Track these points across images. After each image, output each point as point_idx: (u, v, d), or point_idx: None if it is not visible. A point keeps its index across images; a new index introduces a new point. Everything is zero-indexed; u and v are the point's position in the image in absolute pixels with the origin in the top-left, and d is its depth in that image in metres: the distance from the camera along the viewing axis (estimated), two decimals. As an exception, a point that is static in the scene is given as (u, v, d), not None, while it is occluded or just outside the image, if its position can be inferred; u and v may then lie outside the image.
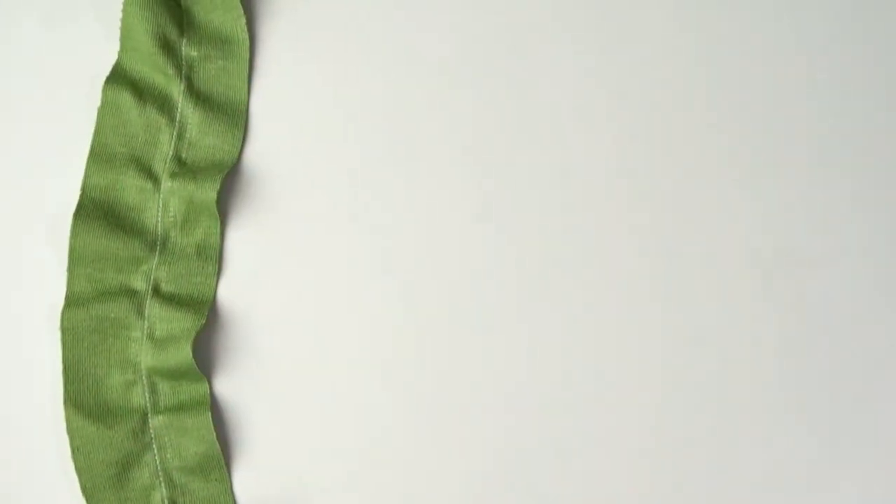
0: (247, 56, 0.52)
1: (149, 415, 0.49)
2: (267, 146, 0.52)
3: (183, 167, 0.51)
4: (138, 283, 0.50)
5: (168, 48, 0.51)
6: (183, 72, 0.52)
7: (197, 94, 0.52)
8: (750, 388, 0.50)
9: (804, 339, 0.51)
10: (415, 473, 0.49)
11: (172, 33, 0.51)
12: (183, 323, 0.49)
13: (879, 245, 0.51)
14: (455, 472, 0.49)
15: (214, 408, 0.49)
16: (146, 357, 0.49)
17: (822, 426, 0.50)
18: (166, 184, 0.50)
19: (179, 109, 0.51)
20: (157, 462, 0.48)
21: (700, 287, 0.51)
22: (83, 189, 0.50)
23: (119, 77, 0.51)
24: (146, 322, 0.49)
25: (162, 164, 0.51)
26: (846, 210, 0.52)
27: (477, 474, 0.49)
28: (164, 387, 0.49)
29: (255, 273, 0.51)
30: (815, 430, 0.50)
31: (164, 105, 0.51)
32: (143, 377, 0.49)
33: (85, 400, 0.48)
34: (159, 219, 0.50)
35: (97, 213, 0.50)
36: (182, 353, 0.48)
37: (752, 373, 0.50)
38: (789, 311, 0.51)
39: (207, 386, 0.49)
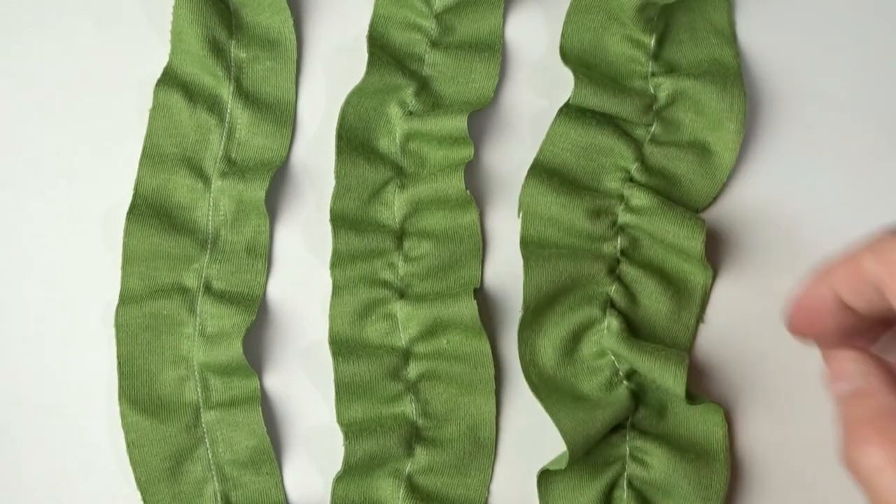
0: (294, 57, 0.53)
1: (201, 409, 0.49)
2: (314, 146, 0.53)
3: (232, 167, 0.52)
4: (190, 280, 0.51)
5: (217, 50, 0.52)
6: (232, 73, 0.53)
7: (246, 95, 0.52)
8: None
9: None
10: (462, 468, 0.50)
11: (221, 35, 0.52)
12: (234, 319, 0.50)
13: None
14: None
15: (265, 403, 0.50)
16: (198, 353, 0.50)
17: None
18: (216, 183, 0.51)
19: (229, 110, 0.52)
20: (210, 456, 0.49)
21: None
22: (136, 189, 0.51)
23: (170, 79, 0.52)
24: (198, 319, 0.50)
25: (212, 164, 0.52)
26: None
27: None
28: (215, 382, 0.50)
29: (303, 270, 0.51)
30: None
31: (213, 106, 0.52)
32: (196, 373, 0.50)
33: (139, 395, 0.49)
34: (210, 217, 0.51)
35: (150, 212, 0.51)
36: (233, 349, 0.49)
37: None
38: None
39: (258, 381, 0.49)
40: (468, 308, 0.49)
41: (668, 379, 0.48)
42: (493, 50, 0.53)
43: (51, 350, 0.51)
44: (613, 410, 0.48)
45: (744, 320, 0.51)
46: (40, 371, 0.51)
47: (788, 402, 0.50)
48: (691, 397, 0.48)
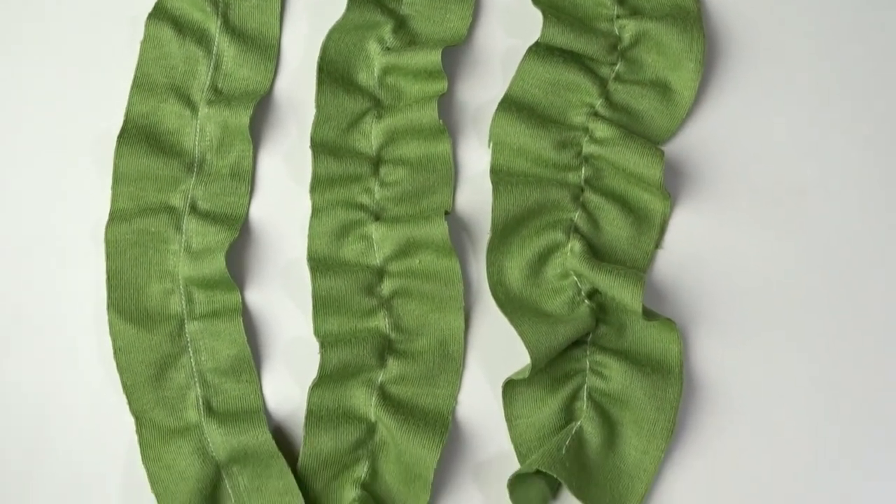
0: (279, -6, 0.56)
1: (185, 321, 0.52)
2: (296, 78, 0.56)
3: (219, 96, 0.55)
4: (177, 200, 0.53)
5: (206, -14, 0.55)
6: (219, 8, 0.56)
7: (232, 30, 0.55)
8: None
9: None
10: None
11: (211, -28, 0.55)
12: (217, 236, 0.52)
13: None
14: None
15: (245, 316, 0.53)
16: (183, 268, 0.52)
17: None
18: (203, 110, 0.54)
19: (216, 43, 0.55)
20: (193, 364, 0.52)
21: None
22: (126, 115, 0.54)
23: (161, 13, 0.55)
24: (183, 236, 0.53)
25: (199, 93, 0.55)
26: None
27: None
28: (199, 295, 0.52)
29: (283, 193, 0.54)
30: None
31: (202, 39, 0.55)
32: (181, 286, 0.52)
33: (126, 306, 0.52)
34: (196, 142, 0.54)
35: (139, 136, 0.54)
36: (216, 263, 0.52)
37: None
38: None
39: (239, 295, 0.52)
40: (439, 229, 0.52)
41: (625, 296, 0.51)
42: None
43: (43, 266, 0.54)
44: (575, 326, 0.51)
45: (700, 248, 0.54)
46: (33, 285, 0.53)
47: (740, 325, 0.53)
48: (647, 314, 0.51)
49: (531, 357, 0.49)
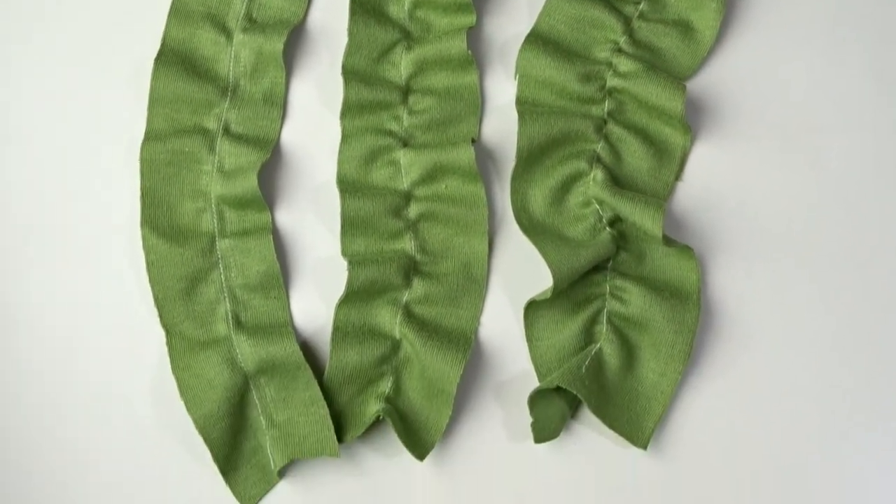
0: (314, -73, 0.58)
1: (216, 238, 0.53)
2: (329, 8, 0.57)
3: (253, 24, 0.56)
4: (210, 123, 0.55)
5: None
6: (256, -60, 0.57)
7: (267, -38, 0.57)
8: None
9: None
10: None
11: None
12: (249, 157, 0.54)
13: None
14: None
15: (275, 236, 0.54)
16: (216, 186, 0.54)
17: None
18: (238, 37, 0.56)
19: (251, -26, 0.57)
20: (223, 279, 0.53)
21: None
22: (164, 40, 0.56)
23: (198, -56, 0.57)
24: (216, 157, 0.54)
25: (234, 21, 0.56)
26: None
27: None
28: (230, 214, 0.54)
29: (315, 119, 0.56)
30: None
31: (237, -30, 0.57)
32: (213, 205, 0.54)
33: (159, 222, 0.53)
34: (231, 68, 0.56)
35: (175, 60, 0.55)
36: (248, 182, 0.53)
37: None
38: None
39: (269, 214, 0.53)
40: (466, 154, 0.53)
41: (646, 221, 0.52)
42: None
43: (80, 184, 0.55)
44: (596, 250, 0.52)
45: (718, 181, 0.55)
46: (70, 202, 0.55)
47: (755, 256, 0.54)
48: (667, 241, 0.52)
49: (553, 276, 0.51)
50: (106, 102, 0.56)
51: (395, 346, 0.52)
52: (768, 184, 0.55)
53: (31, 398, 0.52)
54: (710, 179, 0.55)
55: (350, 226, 0.53)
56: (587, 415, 0.52)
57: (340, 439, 0.50)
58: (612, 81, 0.55)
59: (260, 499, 0.51)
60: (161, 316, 0.52)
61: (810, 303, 0.53)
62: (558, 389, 0.51)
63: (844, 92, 0.56)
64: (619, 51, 0.56)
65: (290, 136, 0.56)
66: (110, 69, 0.56)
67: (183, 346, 0.52)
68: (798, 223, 0.54)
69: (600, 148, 0.55)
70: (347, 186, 0.54)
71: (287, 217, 0.55)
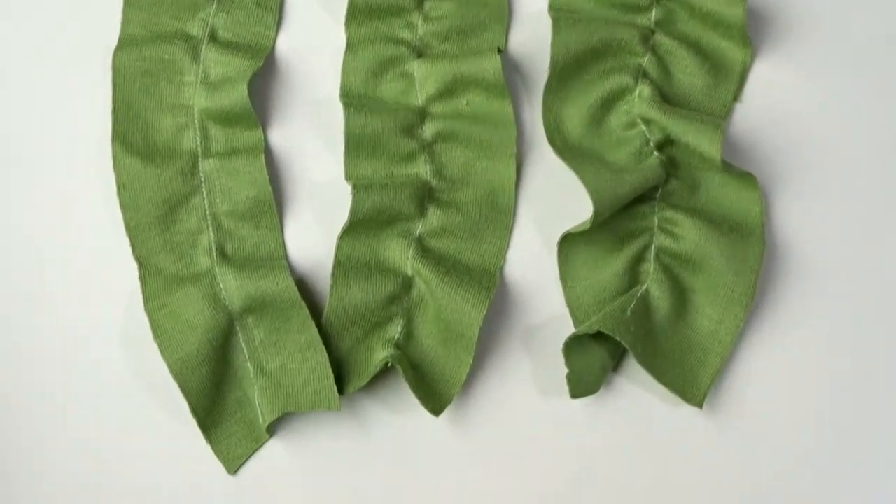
0: None
1: (199, 158, 0.46)
2: None
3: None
4: (194, 28, 0.48)
5: None
6: None
7: None
8: None
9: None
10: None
11: None
12: (239, 66, 0.47)
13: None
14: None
15: (268, 156, 0.47)
16: (199, 99, 0.46)
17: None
18: (228, -69, 0.49)
19: None
20: (206, 206, 0.46)
21: None
22: (142, -66, 0.48)
23: None
24: (201, 66, 0.47)
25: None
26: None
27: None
28: (216, 132, 0.47)
29: (315, 26, 0.49)
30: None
31: None
32: (196, 121, 0.46)
33: (134, 139, 0.46)
34: (219, -34, 0.48)
35: (155, -44, 0.48)
36: (237, 94, 0.46)
37: None
38: None
39: (261, 132, 0.46)
40: (492, 64, 0.46)
41: (703, 142, 0.45)
42: None
43: (44, 94, 0.48)
44: (643, 175, 0.45)
45: (783, 103, 0.48)
46: (33, 114, 0.48)
47: (825, 188, 0.46)
48: (726, 166, 0.45)
49: (594, 203, 0.43)
50: (77, 7, 0.49)
51: (407, 283, 0.45)
52: (839, 106, 0.48)
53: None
54: (772, 100, 0.48)
55: (355, 145, 0.46)
56: (632, 367, 0.44)
57: (341, 390, 0.43)
58: None
59: (246, 459, 0.44)
60: (134, 247, 0.45)
61: (890, 242, 0.46)
62: (598, 336, 0.44)
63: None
64: None
65: (287, 44, 0.49)
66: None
67: (159, 282, 0.44)
68: (871, 149, 0.47)
69: (647, 61, 0.47)
70: (353, 100, 0.46)
71: (281, 135, 0.47)
